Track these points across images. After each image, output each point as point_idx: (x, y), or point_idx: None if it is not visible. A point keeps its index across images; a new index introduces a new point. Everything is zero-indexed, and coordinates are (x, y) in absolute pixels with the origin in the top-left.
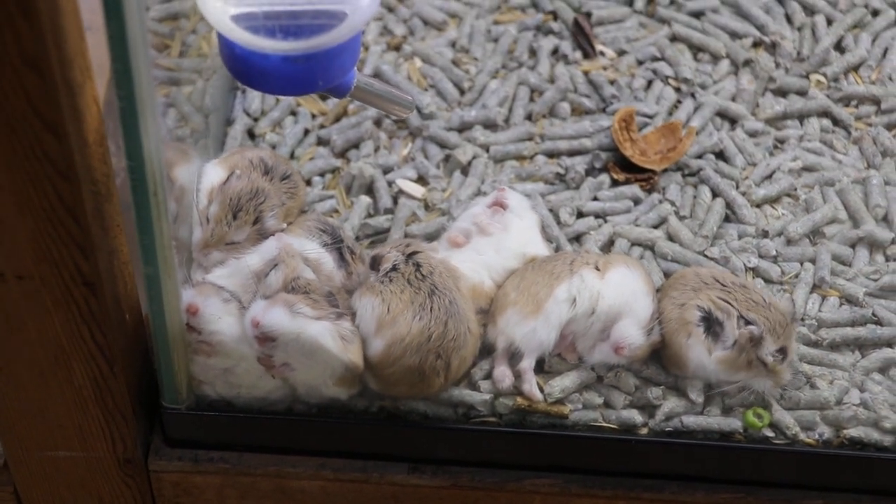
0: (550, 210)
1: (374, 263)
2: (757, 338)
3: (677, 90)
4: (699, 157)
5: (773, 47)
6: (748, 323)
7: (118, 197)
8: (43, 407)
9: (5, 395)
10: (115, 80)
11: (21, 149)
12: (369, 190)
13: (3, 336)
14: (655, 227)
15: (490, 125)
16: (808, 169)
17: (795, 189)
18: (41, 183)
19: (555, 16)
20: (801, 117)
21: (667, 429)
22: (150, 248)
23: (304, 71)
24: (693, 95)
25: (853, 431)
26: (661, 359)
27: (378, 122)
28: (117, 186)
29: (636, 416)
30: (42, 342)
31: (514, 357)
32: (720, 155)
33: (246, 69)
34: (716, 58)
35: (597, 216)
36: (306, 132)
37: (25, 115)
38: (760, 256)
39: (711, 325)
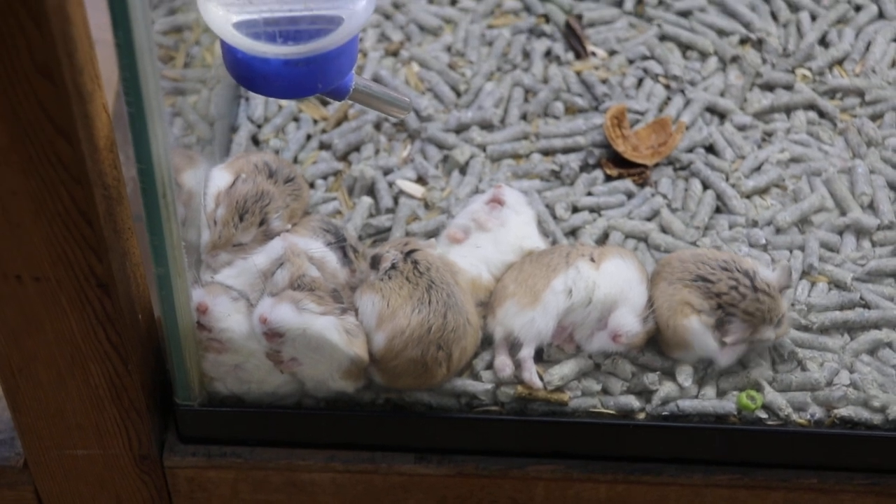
0: (546, 206)
1: (374, 262)
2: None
3: (667, 87)
4: (689, 151)
5: (759, 44)
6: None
7: (129, 201)
8: (61, 407)
9: (25, 396)
10: (123, 87)
11: (35, 154)
12: (371, 191)
13: (21, 337)
14: (648, 219)
15: (486, 125)
16: (795, 160)
17: (783, 180)
18: (55, 187)
19: (547, 19)
20: (788, 110)
21: (663, 413)
22: (161, 250)
23: (303, 74)
24: (682, 92)
25: (844, 411)
26: (657, 344)
27: (378, 126)
28: (128, 195)
29: (633, 402)
30: (59, 343)
31: (513, 347)
32: (710, 149)
33: (248, 74)
34: (704, 55)
35: (591, 210)
36: (308, 137)
37: (39, 122)
38: (751, 245)
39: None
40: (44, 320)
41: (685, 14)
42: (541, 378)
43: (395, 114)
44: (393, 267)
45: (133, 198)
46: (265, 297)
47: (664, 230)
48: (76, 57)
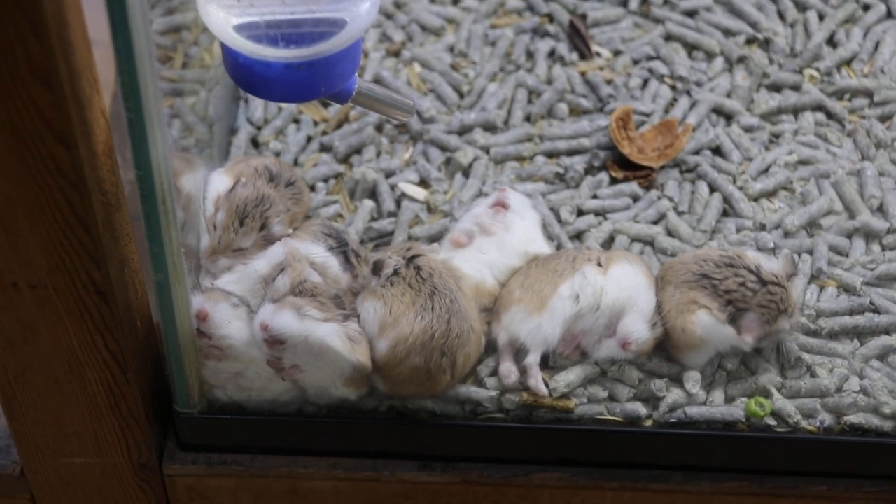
0: (551, 209)
1: (376, 269)
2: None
3: (673, 88)
4: (696, 153)
5: (766, 44)
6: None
7: (127, 207)
8: (58, 414)
9: (22, 404)
10: (122, 92)
11: (33, 161)
12: (372, 194)
13: (18, 345)
14: (655, 223)
15: (490, 127)
16: (803, 162)
17: (791, 182)
18: (53, 194)
19: (550, 18)
20: (796, 112)
21: (671, 420)
22: (160, 256)
23: (306, 78)
24: (688, 93)
25: (853, 418)
26: (665, 350)
27: (379, 128)
28: (126, 197)
29: (640, 409)
30: (56, 350)
31: (519, 353)
32: (717, 151)
33: (249, 78)
34: (710, 55)
35: (597, 214)
36: (309, 139)
37: (37, 128)
38: (759, 249)
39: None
40: (41, 328)
41: (691, 14)
42: (546, 385)
43: (399, 117)
44: (395, 273)
45: (131, 199)
46: (266, 304)
47: (671, 234)
48: (74, 63)
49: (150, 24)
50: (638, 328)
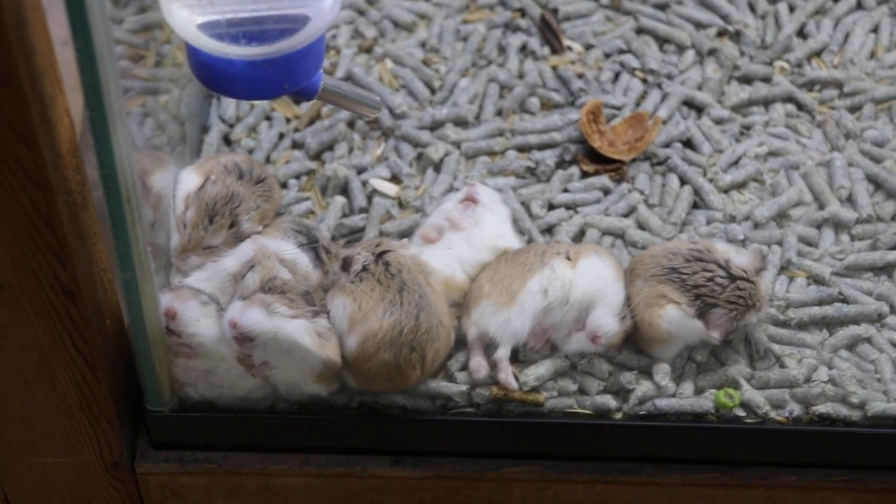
0: (522, 203)
1: (345, 264)
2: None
3: (644, 81)
4: (667, 146)
5: (737, 36)
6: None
7: (94, 206)
8: (29, 414)
9: None
10: (84, 92)
11: None
12: (344, 190)
13: None
14: (625, 216)
15: (461, 122)
16: (773, 154)
17: (761, 174)
18: (16, 193)
19: (522, 13)
20: (766, 103)
21: (640, 412)
22: (127, 255)
23: (269, 75)
24: (659, 86)
25: (822, 408)
26: (634, 343)
27: (351, 124)
28: (97, 198)
29: (610, 402)
30: (25, 350)
31: (489, 348)
32: (687, 143)
33: (213, 76)
34: (681, 48)
35: (568, 207)
36: (281, 136)
37: None
38: (729, 241)
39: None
40: (9, 328)
41: (662, 7)
42: (516, 379)
43: (366, 113)
44: (364, 269)
45: (100, 199)
46: (235, 301)
47: (641, 227)
48: (35, 62)
49: (111, 24)
50: (607, 322)
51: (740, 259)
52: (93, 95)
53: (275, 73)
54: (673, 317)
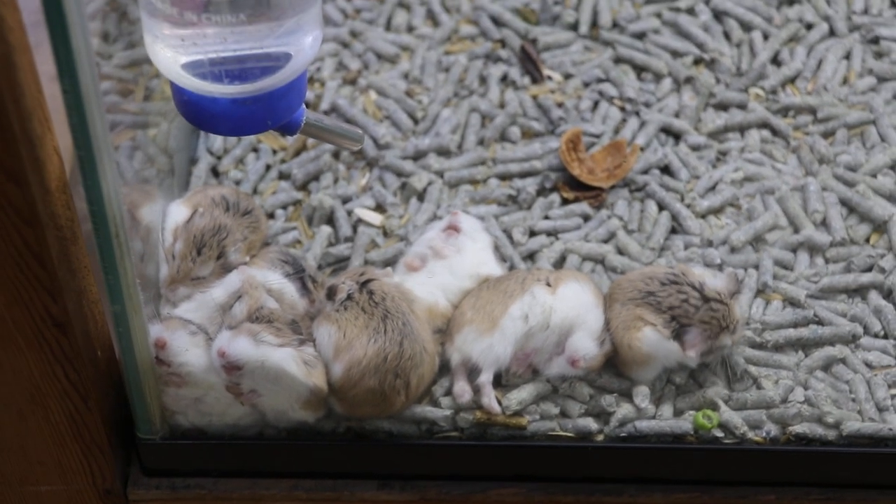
0: (504, 230)
1: (330, 293)
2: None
3: (622, 109)
4: (645, 172)
5: (712, 64)
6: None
7: (83, 239)
8: (22, 444)
9: None
10: (71, 131)
11: None
12: (330, 220)
13: None
14: (605, 241)
15: (444, 152)
16: (749, 179)
17: (738, 199)
18: (7, 230)
19: (503, 44)
20: (742, 130)
21: (621, 434)
22: (116, 287)
23: (252, 112)
24: (637, 114)
25: (798, 428)
26: (615, 366)
27: (336, 155)
28: (88, 230)
29: (591, 424)
30: (17, 382)
31: (472, 373)
32: (665, 170)
33: (198, 114)
34: (658, 76)
35: (548, 234)
36: (268, 167)
37: None
38: (706, 265)
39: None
40: (2, 360)
41: (639, 36)
42: (499, 403)
43: (349, 146)
44: (349, 297)
45: (90, 232)
46: (223, 331)
47: (621, 252)
48: (24, 104)
49: (96, 66)
50: (586, 345)
51: (715, 282)
52: (80, 135)
53: (258, 110)
54: (650, 339)
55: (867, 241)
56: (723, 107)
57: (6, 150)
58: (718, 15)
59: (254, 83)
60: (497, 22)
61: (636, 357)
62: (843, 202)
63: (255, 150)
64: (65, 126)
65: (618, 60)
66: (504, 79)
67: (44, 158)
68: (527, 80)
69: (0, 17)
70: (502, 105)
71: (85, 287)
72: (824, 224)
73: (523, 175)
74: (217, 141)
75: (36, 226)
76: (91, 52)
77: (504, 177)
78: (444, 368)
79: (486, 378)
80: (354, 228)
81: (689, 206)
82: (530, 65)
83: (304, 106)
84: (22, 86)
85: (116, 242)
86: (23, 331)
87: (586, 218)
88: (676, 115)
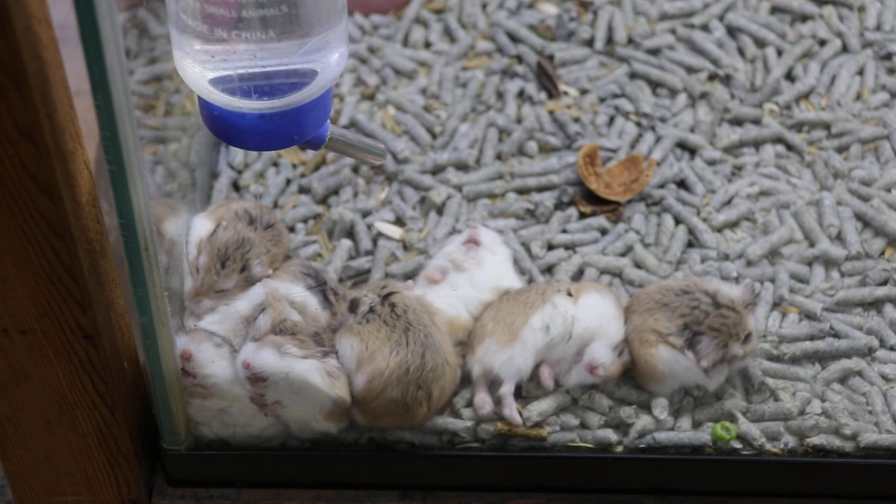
0: (522, 244)
1: (352, 306)
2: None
3: (638, 124)
4: (661, 186)
5: (727, 80)
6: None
7: (112, 253)
8: (50, 455)
9: (14, 445)
10: (103, 146)
11: (19, 212)
12: (350, 233)
13: (9, 388)
14: (622, 255)
15: (462, 166)
16: (764, 193)
17: (753, 213)
18: (39, 244)
19: (519, 59)
20: (757, 144)
21: (640, 445)
22: (144, 300)
23: (279, 127)
24: (653, 129)
25: (816, 440)
26: (634, 378)
27: (356, 169)
28: (111, 242)
29: (611, 435)
30: (47, 393)
31: (493, 384)
32: (681, 184)
33: (225, 129)
34: (673, 92)
35: (566, 248)
36: (288, 182)
37: (22, 181)
38: (723, 278)
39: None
40: (31, 372)
41: (654, 52)
42: (520, 414)
43: (371, 161)
44: (371, 310)
45: (115, 245)
46: (247, 343)
47: (638, 265)
48: (57, 119)
49: (129, 81)
50: (604, 353)
51: (730, 291)
52: (112, 149)
53: (285, 125)
54: (665, 357)
55: (882, 254)
56: (737, 122)
57: (40, 164)
58: (732, 31)
59: (281, 99)
60: (513, 38)
61: (653, 374)
62: (858, 216)
63: (276, 164)
64: (88, 140)
65: (633, 76)
66: (521, 94)
67: (75, 173)
68: (543, 95)
69: (34, 34)
70: (519, 120)
71: (113, 299)
72: (839, 238)
73: (541, 189)
74: (238, 155)
75: (68, 239)
76: (124, 68)
77: (522, 191)
78: (466, 380)
79: (507, 389)
80: (374, 242)
81: (705, 220)
82: (547, 80)
83: (328, 121)
84: (55, 101)
85: (145, 255)
86: (53, 342)
87: (604, 232)
88: (692, 130)
